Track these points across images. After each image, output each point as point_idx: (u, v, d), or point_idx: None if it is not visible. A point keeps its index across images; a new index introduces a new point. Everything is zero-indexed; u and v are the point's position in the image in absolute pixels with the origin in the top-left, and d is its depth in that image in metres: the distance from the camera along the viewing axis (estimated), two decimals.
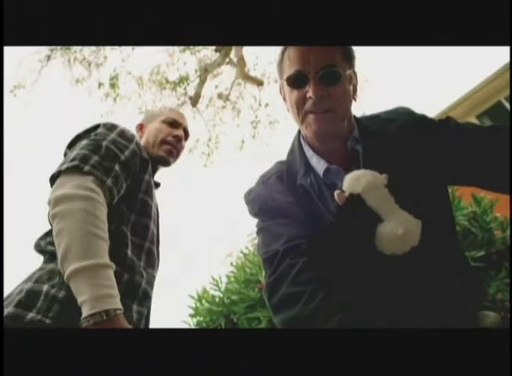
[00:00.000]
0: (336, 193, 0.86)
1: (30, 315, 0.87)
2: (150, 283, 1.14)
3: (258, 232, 1.03)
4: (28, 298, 0.90)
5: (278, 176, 1.06)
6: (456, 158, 0.92)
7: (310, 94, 0.91)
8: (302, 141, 1.06)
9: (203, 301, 3.38)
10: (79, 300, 0.83)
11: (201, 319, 3.33)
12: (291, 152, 1.09)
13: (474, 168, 0.91)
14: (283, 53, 1.00)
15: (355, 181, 0.86)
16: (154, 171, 1.34)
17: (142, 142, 1.34)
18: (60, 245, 0.86)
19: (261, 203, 1.06)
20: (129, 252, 1.05)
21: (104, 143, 1.05)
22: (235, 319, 3.02)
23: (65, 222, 0.88)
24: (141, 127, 1.41)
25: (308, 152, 1.03)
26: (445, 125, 0.98)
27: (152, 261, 1.15)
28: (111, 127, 1.14)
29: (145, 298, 1.10)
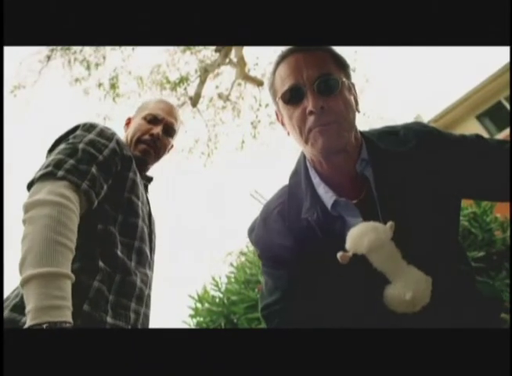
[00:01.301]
0: (339, 254, 0.82)
1: (25, 318, 0.86)
2: (145, 282, 1.12)
3: (262, 274, 1.05)
4: (23, 302, 0.87)
5: (279, 211, 0.99)
6: (472, 176, 0.91)
7: (310, 107, 0.84)
8: (308, 165, 0.98)
9: (204, 302, 3.38)
10: (26, 309, 0.79)
11: (201, 319, 3.33)
12: (295, 173, 1.02)
13: (489, 183, 0.91)
14: (273, 74, 0.96)
15: (357, 240, 0.82)
16: (144, 168, 1.31)
17: (125, 138, 1.30)
18: (22, 250, 0.84)
19: (261, 247, 1.04)
20: (119, 252, 1.03)
21: (80, 146, 1.03)
22: (235, 320, 3.02)
23: (29, 228, 0.86)
24: (128, 121, 1.37)
25: (315, 179, 0.95)
26: (464, 142, 0.96)
27: (143, 260, 1.13)
28: (89, 127, 1.11)
29: (142, 297, 1.09)
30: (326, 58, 0.90)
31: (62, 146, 1.04)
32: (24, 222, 0.88)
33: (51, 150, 1.11)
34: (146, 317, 1.13)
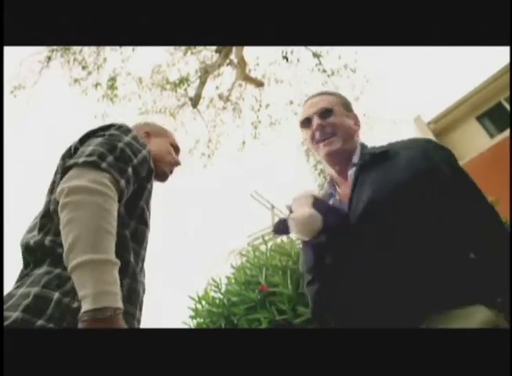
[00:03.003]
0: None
1: (40, 322, 0.83)
2: (144, 292, 1.14)
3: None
4: (37, 303, 0.86)
5: None
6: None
7: (313, 127, 1.21)
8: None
9: (204, 303, 3.37)
10: (81, 293, 0.81)
11: (201, 320, 3.32)
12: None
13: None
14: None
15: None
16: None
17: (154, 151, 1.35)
18: (69, 235, 0.84)
19: None
20: (131, 258, 1.04)
21: (120, 145, 1.05)
22: (235, 321, 3.01)
23: (77, 213, 0.86)
24: (148, 134, 1.41)
25: (328, 177, 1.31)
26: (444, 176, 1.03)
27: (143, 269, 1.16)
28: (126, 130, 1.14)
29: (142, 306, 1.10)
30: (329, 97, 1.27)
31: (99, 140, 1.05)
32: (66, 204, 0.88)
33: (82, 141, 1.11)
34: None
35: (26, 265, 1.02)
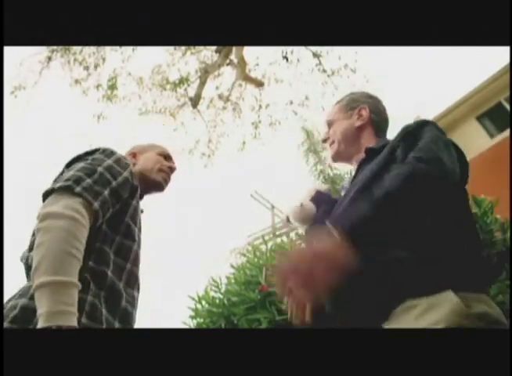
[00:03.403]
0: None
1: None
2: (130, 303, 1.18)
3: None
4: (24, 314, 0.93)
5: None
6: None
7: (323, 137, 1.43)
8: None
9: (204, 303, 3.37)
10: (38, 312, 0.86)
11: (201, 320, 3.32)
12: None
13: None
14: None
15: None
16: (145, 194, 1.44)
17: (139, 167, 1.43)
18: (35, 257, 0.91)
19: None
20: (109, 272, 1.09)
21: (99, 169, 1.13)
22: (235, 321, 3.01)
23: (45, 237, 0.93)
24: (134, 155, 1.50)
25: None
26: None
27: (132, 282, 1.20)
28: (109, 154, 1.22)
29: (126, 316, 1.14)
30: (333, 109, 1.38)
31: (81, 165, 1.13)
32: (39, 229, 0.95)
33: (68, 166, 1.20)
34: None
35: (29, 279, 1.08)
